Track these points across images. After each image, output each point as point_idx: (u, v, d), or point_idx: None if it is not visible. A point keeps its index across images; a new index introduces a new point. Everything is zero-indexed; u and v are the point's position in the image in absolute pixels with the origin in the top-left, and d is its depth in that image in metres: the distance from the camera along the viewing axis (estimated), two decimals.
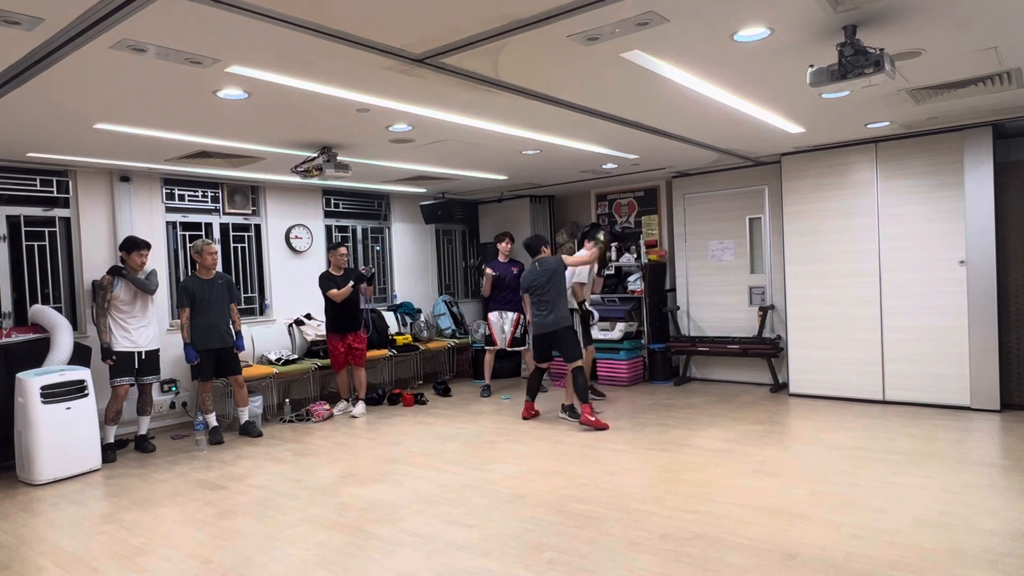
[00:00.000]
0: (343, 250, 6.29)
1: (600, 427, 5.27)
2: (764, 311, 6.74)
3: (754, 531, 3.21)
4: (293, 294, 6.92)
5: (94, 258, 5.61)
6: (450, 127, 4.53)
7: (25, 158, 5.03)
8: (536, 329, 5.59)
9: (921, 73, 3.72)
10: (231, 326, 5.62)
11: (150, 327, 5.32)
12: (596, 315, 6.37)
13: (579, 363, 5.43)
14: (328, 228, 7.41)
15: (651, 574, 2.82)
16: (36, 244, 5.44)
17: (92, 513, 3.91)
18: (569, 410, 5.69)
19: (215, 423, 5.51)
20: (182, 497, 4.11)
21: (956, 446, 4.49)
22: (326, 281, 6.21)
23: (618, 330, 7.22)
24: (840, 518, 3.33)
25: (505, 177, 6.98)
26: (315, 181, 5.65)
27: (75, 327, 5.47)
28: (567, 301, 5.60)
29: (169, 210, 6.13)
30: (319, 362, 6.50)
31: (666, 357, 7.35)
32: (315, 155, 5.05)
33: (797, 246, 6.27)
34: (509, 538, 3.25)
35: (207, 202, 6.38)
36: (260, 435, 5.60)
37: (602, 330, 7.16)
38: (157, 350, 5.37)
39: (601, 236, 5.69)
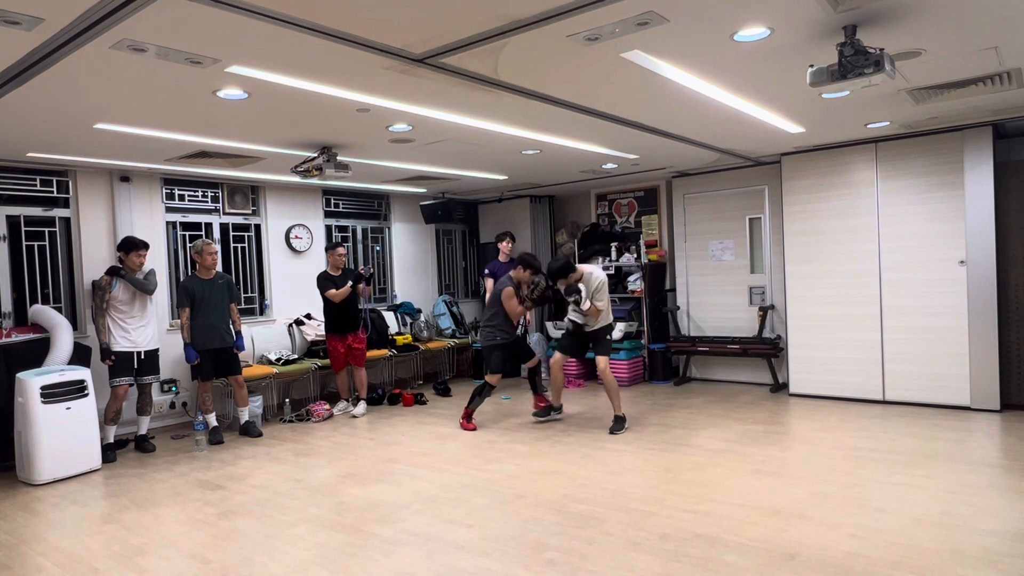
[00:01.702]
0: (341, 250, 6.29)
1: (467, 429, 5.52)
2: (764, 311, 6.74)
3: (754, 531, 3.21)
4: (293, 294, 6.92)
5: (94, 258, 5.61)
6: (450, 127, 4.53)
7: (25, 158, 5.03)
8: None
9: (921, 73, 3.72)
10: (231, 326, 5.61)
11: (149, 327, 5.32)
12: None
13: (490, 379, 5.59)
14: (328, 228, 7.41)
15: (651, 574, 2.82)
16: (36, 244, 5.44)
17: (92, 513, 3.90)
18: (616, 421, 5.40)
19: (215, 423, 5.51)
20: (182, 497, 4.11)
21: (956, 446, 4.49)
22: (324, 281, 6.21)
23: (618, 330, 7.21)
24: (840, 518, 3.33)
25: (505, 177, 6.98)
26: (315, 181, 5.65)
27: (75, 327, 5.47)
28: (501, 322, 5.63)
29: (169, 210, 6.13)
30: (319, 362, 6.50)
31: (666, 357, 7.35)
32: (315, 155, 5.05)
33: (797, 246, 6.27)
34: (509, 538, 3.25)
35: (207, 202, 6.38)
36: (260, 435, 5.60)
37: None
38: (156, 350, 5.37)
39: (535, 290, 5.44)
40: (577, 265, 5.38)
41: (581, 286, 5.26)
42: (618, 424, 5.25)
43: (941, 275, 5.54)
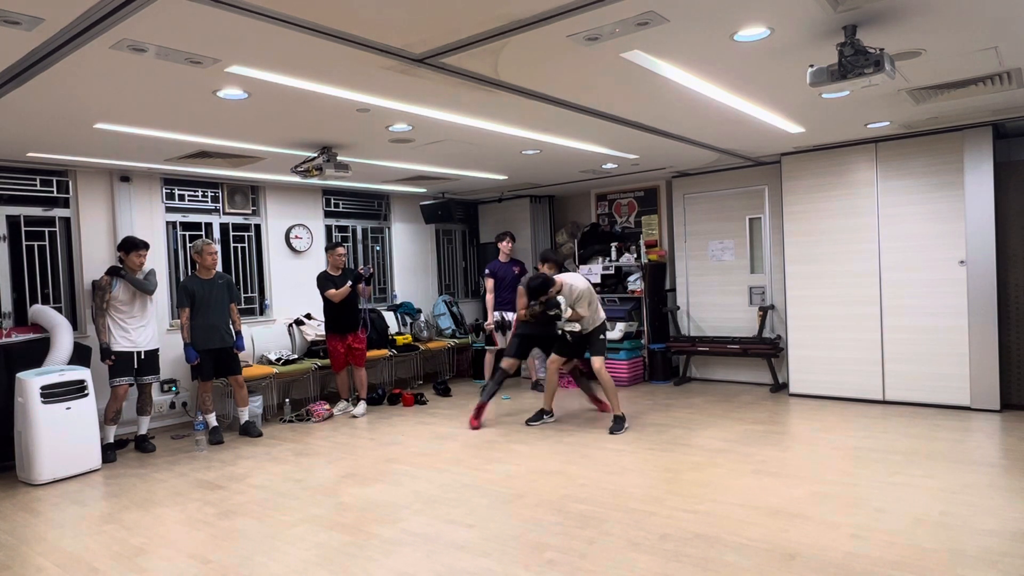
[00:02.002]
0: (341, 250, 6.29)
1: (473, 426, 5.58)
2: (764, 311, 6.74)
3: (754, 531, 3.21)
4: (293, 294, 6.92)
5: (94, 258, 5.61)
6: (450, 127, 4.53)
7: (25, 158, 5.03)
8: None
9: (921, 73, 3.72)
10: (231, 326, 5.62)
11: (149, 327, 5.32)
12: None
13: (504, 363, 5.67)
14: (328, 228, 7.41)
15: (651, 574, 2.82)
16: (36, 244, 5.44)
17: (92, 513, 3.90)
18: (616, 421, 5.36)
19: (215, 423, 5.51)
20: (182, 497, 4.11)
21: (956, 446, 4.49)
22: (324, 281, 6.21)
23: (618, 330, 7.22)
24: (840, 518, 3.33)
25: (505, 177, 6.98)
26: (315, 181, 5.64)
27: (75, 327, 5.47)
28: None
29: (169, 210, 6.13)
30: (319, 362, 6.50)
31: (666, 357, 7.35)
32: (315, 155, 5.05)
33: (797, 246, 6.27)
34: (509, 538, 3.25)
35: (207, 202, 6.38)
36: (260, 435, 5.60)
37: None
38: (156, 350, 5.37)
39: (536, 307, 5.42)
40: (556, 277, 5.40)
41: (560, 298, 5.27)
42: (618, 424, 5.25)
43: (941, 275, 5.54)
